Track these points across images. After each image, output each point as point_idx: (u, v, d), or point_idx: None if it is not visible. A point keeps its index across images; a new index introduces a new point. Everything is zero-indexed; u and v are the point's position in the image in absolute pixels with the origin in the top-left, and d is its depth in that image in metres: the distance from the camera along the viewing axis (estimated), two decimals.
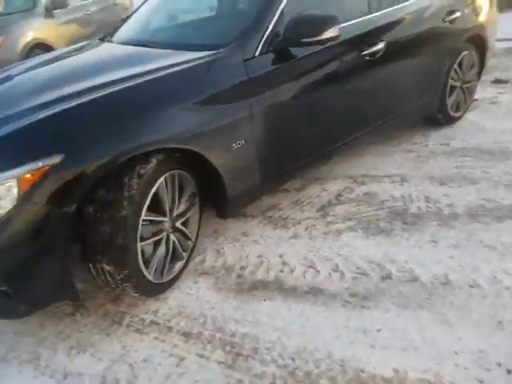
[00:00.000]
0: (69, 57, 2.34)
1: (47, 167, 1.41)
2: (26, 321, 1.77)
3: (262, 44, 1.97)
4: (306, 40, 1.95)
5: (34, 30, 5.23)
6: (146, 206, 1.63)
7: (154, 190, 1.66)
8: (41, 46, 5.17)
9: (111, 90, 1.65)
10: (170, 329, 1.74)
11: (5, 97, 1.86)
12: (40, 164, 1.41)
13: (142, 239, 1.69)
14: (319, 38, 1.94)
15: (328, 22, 1.95)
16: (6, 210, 1.40)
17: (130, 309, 1.85)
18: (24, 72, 2.15)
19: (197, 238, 2.07)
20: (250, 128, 1.92)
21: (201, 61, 1.87)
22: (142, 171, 1.61)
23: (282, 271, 1.97)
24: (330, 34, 1.95)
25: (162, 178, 1.70)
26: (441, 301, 1.74)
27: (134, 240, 1.61)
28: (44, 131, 1.51)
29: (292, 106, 2.11)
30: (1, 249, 1.42)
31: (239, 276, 1.97)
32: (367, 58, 2.40)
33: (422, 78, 2.93)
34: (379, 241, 2.12)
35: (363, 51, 2.37)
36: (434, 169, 2.76)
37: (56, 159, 1.42)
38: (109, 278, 1.66)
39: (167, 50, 2.08)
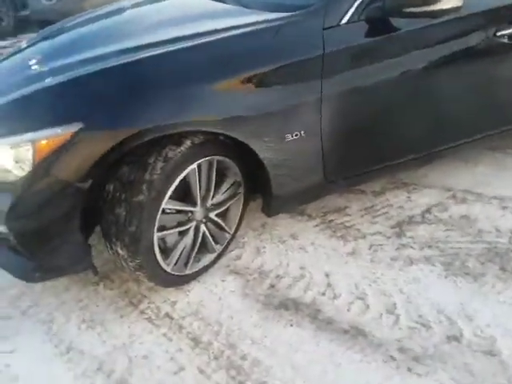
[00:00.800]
0: (149, 4, 2.16)
1: (65, 135, 1.25)
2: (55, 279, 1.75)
3: (352, 9, 1.54)
4: (409, 10, 1.48)
5: None
6: (168, 194, 1.42)
7: (181, 176, 1.43)
8: None
9: (148, 54, 1.41)
10: (181, 328, 1.55)
11: (59, 47, 1.77)
12: (58, 131, 1.26)
13: (164, 228, 1.51)
14: (430, 8, 1.46)
15: None
16: (23, 174, 1.29)
17: (150, 292, 1.70)
18: (93, 20, 2.03)
19: (237, 230, 1.82)
20: (314, 117, 1.55)
21: (267, 25, 1.52)
22: (170, 154, 1.39)
23: (323, 294, 1.64)
24: (446, 4, 1.46)
25: (194, 165, 1.46)
26: None
27: (150, 229, 1.42)
28: (67, 95, 1.36)
29: (380, 94, 1.67)
30: (16, 212, 1.34)
31: (272, 286, 1.69)
32: (504, 40, 1.81)
33: None
34: (460, 285, 1.65)
35: (499, 31, 1.78)
36: None
37: (75, 128, 1.25)
38: (123, 263, 1.52)
39: (239, 8, 1.76)
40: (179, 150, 1.39)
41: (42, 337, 1.57)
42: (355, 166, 1.85)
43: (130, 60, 1.40)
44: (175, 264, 1.61)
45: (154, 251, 1.48)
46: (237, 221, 1.78)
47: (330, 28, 1.52)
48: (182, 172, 1.43)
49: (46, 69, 1.55)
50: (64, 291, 1.75)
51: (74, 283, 1.78)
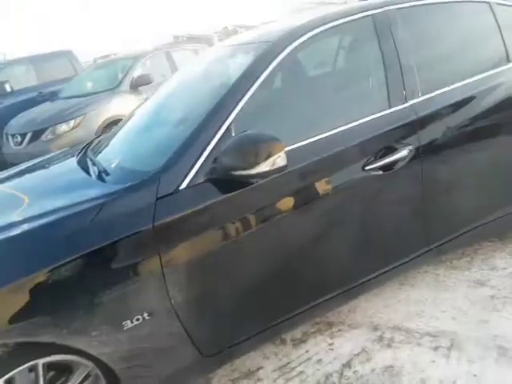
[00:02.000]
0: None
1: None
2: None
3: (193, 172, 1.44)
4: (239, 173, 1.40)
5: (115, 106, 5.40)
6: None
7: None
8: (118, 122, 5.35)
9: None
10: None
11: None
12: None
13: None
14: (255, 170, 1.38)
15: (267, 146, 1.39)
16: None
17: None
18: None
19: None
20: (158, 294, 1.37)
21: (93, 202, 1.40)
22: None
23: None
24: (269, 165, 1.38)
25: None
26: None
27: None
28: None
29: (233, 256, 1.53)
30: None
31: None
32: (376, 172, 1.70)
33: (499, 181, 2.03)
34: None
35: (368, 165, 1.68)
36: None
37: None
38: None
39: (90, 179, 1.68)
40: None
41: None
42: (241, 329, 1.62)
43: None
44: None
45: None
46: None
47: (165, 196, 1.40)
48: None
49: None
50: None
51: None
